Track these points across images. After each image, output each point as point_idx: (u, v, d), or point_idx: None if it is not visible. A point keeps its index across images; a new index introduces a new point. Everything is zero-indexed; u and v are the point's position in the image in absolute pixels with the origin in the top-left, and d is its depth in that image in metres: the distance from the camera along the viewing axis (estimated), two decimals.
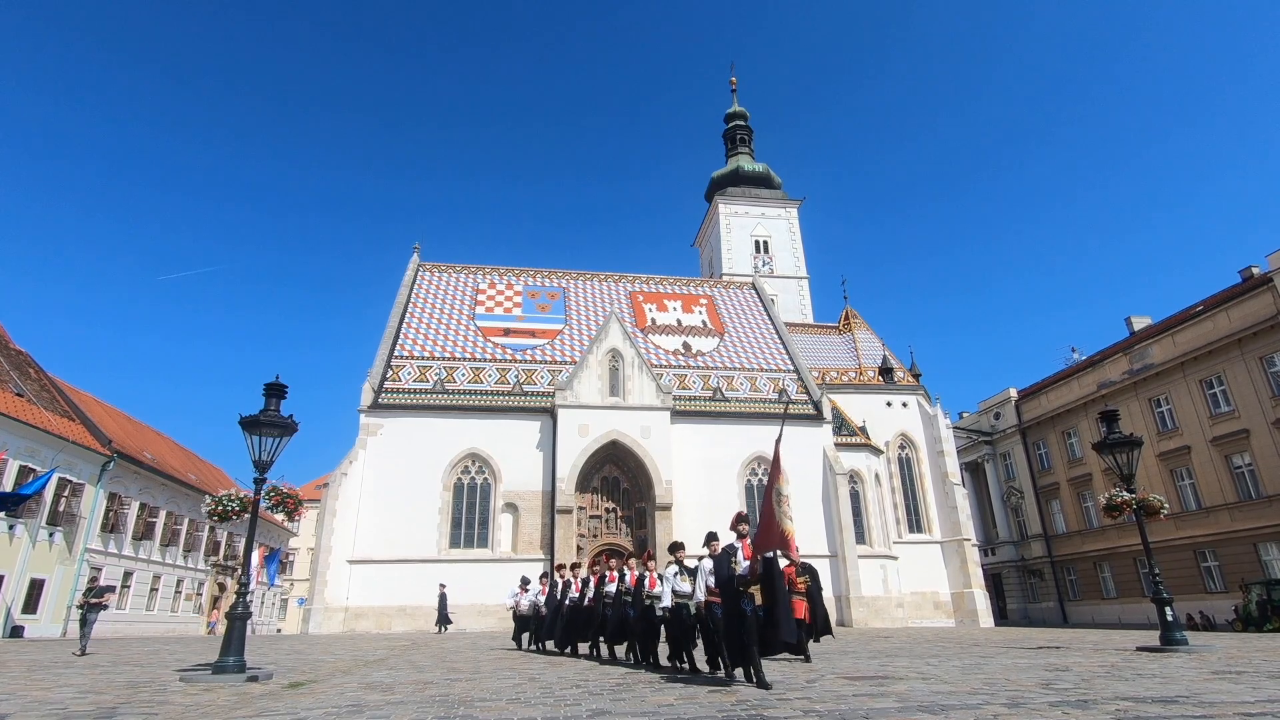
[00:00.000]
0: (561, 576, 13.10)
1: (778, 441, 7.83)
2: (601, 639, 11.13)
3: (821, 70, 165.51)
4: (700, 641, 8.25)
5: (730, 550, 7.15)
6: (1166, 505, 13.17)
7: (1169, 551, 28.24)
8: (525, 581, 15.17)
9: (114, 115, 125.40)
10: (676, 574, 8.41)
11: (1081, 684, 6.69)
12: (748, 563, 6.82)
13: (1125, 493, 12.57)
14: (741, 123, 54.70)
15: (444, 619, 23.11)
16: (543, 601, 13.74)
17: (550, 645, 13.27)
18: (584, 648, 12.20)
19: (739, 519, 7.45)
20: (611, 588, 10.66)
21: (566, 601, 12.28)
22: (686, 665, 8.42)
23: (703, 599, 7.51)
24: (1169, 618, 11.49)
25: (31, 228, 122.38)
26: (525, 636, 14.59)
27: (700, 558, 9.04)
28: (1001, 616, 37.12)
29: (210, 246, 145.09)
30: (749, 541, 7.07)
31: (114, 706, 5.99)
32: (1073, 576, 35.70)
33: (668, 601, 8.30)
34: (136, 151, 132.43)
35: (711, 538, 8.65)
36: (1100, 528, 33.04)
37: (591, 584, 11.61)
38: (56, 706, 6.01)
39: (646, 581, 9.35)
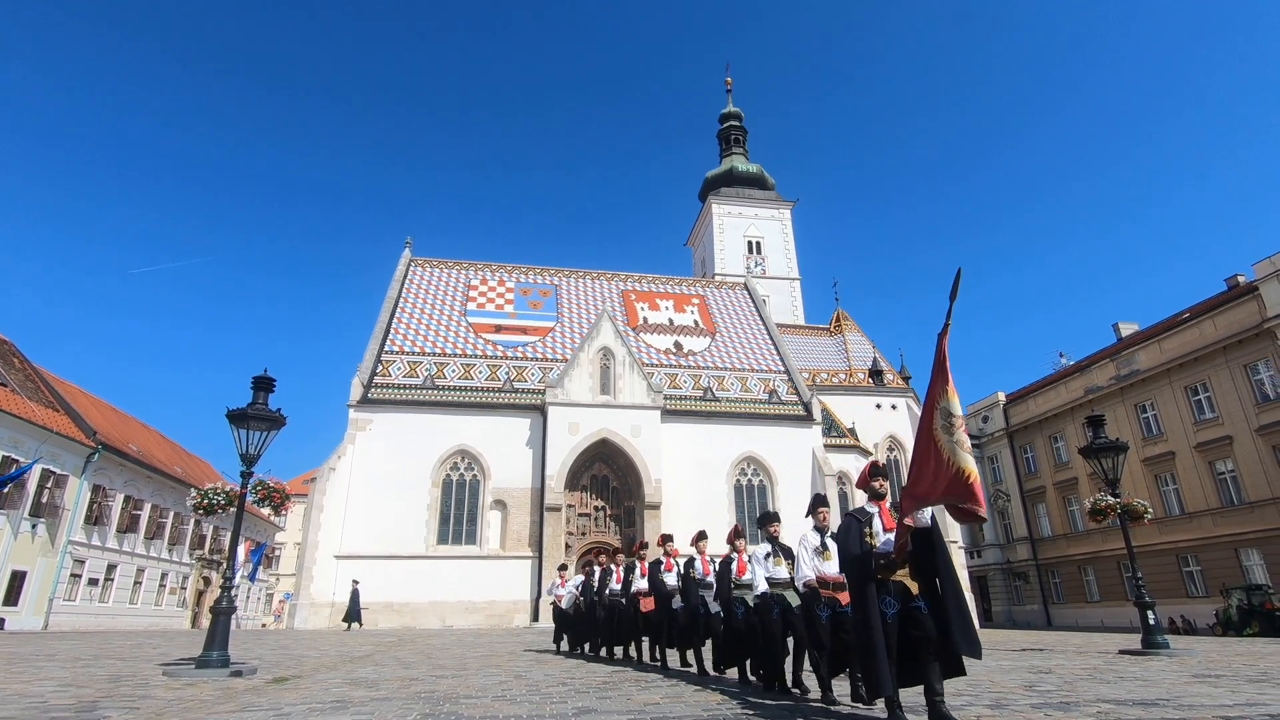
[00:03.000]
0: (601, 565, 11.08)
1: (942, 334, 4.33)
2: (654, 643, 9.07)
3: (816, 71, 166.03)
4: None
5: (862, 516, 4.89)
6: (1150, 510, 13.33)
7: (1152, 556, 28.52)
8: (564, 568, 13.35)
9: (106, 102, 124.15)
10: (769, 555, 6.38)
11: (1064, 686, 6.75)
12: (889, 536, 4.62)
13: (1110, 497, 12.69)
14: (736, 123, 54.77)
15: (355, 615, 22.81)
16: (580, 594, 11.61)
17: (587, 648, 11.33)
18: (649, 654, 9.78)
19: (873, 470, 5.04)
20: (670, 577, 8.65)
21: (606, 593, 10.41)
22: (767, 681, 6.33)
23: (812, 577, 5.62)
24: (1151, 621, 11.61)
25: (21, 216, 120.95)
26: (567, 638, 12.42)
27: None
28: (986, 619, 37.39)
29: (198, 236, 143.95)
30: (889, 505, 4.86)
31: (95, 700, 5.94)
32: (1057, 580, 35.98)
33: (764, 588, 6.31)
34: (127, 139, 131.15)
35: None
36: (1085, 531, 33.32)
37: (638, 572, 9.44)
38: (36, 700, 5.95)
39: (735, 566, 7.01)
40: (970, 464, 4.07)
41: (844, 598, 5.32)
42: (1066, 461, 35.08)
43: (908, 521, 4.40)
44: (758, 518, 6.85)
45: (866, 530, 4.77)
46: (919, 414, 28.62)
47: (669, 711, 5.15)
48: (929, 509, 4.45)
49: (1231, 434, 26.64)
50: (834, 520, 5.89)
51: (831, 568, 5.53)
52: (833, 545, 5.56)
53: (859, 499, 29.59)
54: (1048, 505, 36.58)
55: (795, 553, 5.91)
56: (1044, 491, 36.76)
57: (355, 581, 23.44)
